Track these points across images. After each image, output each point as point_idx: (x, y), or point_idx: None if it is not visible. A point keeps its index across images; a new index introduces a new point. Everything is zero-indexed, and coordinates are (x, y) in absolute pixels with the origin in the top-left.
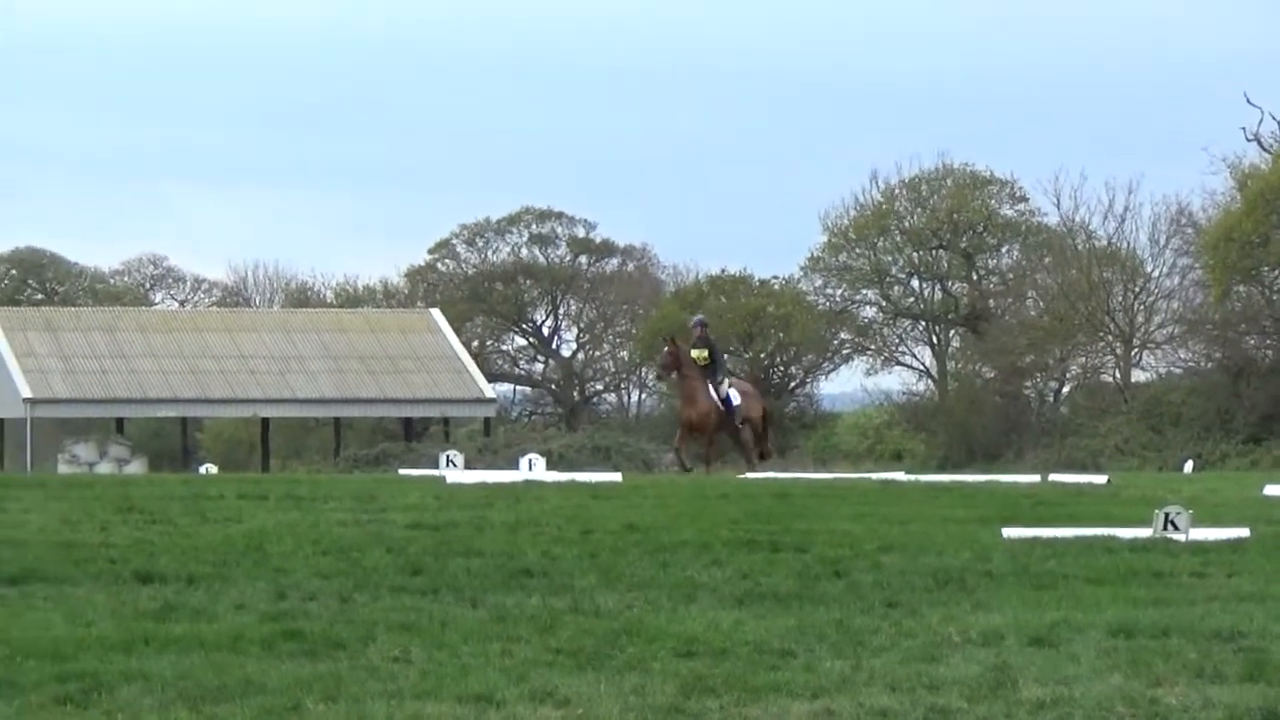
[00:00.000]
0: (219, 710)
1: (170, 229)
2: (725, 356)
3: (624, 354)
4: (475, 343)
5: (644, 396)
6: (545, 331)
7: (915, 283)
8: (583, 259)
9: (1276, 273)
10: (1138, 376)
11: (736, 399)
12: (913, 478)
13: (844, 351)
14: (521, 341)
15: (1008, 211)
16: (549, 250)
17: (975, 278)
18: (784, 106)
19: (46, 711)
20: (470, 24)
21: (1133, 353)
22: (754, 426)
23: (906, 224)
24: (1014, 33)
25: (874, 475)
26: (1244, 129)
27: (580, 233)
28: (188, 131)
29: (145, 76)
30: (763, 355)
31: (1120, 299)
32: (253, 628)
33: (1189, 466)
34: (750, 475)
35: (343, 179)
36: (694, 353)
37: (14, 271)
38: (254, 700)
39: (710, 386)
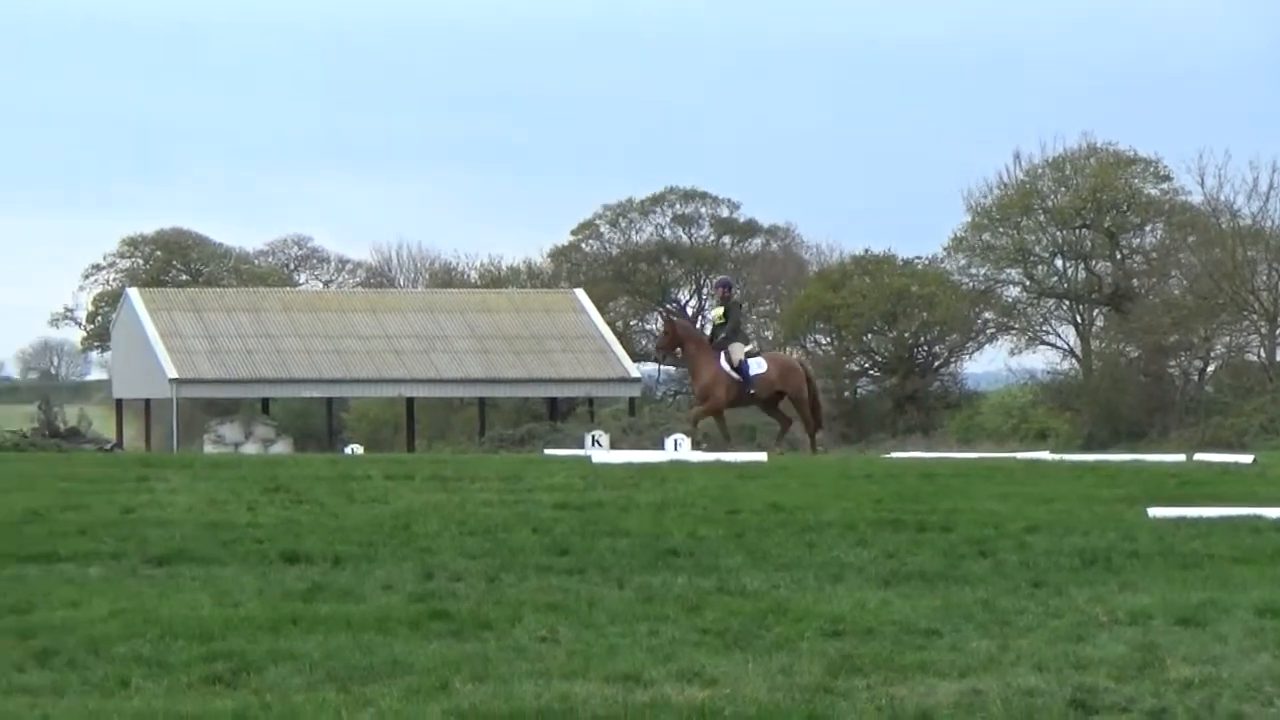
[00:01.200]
0: (367, 690)
1: (315, 210)
2: (749, 326)
3: (768, 334)
4: (619, 322)
5: None
6: (689, 311)
7: (1059, 262)
8: (726, 239)
9: None
10: None
11: (759, 368)
12: (1058, 457)
13: (988, 331)
14: None
15: (1151, 191)
16: (693, 230)
17: (1119, 257)
18: (926, 85)
19: (195, 691)
20: (611, 5)
21: (1278, 332)
22: (796, 401)
23: (1050, 203)
24: (1156, 10)
25: (1019, 455)
26: None
27: (724, 213)
28: (333, 113)
29: (291, 59)
30: (907, 335)
31: (1265, 278)
32: (400, 608)
33: None
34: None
35: (487, 160)
36: (714, 311)
37: (159, 253)
38: (402, 680)
39: (721, 355)
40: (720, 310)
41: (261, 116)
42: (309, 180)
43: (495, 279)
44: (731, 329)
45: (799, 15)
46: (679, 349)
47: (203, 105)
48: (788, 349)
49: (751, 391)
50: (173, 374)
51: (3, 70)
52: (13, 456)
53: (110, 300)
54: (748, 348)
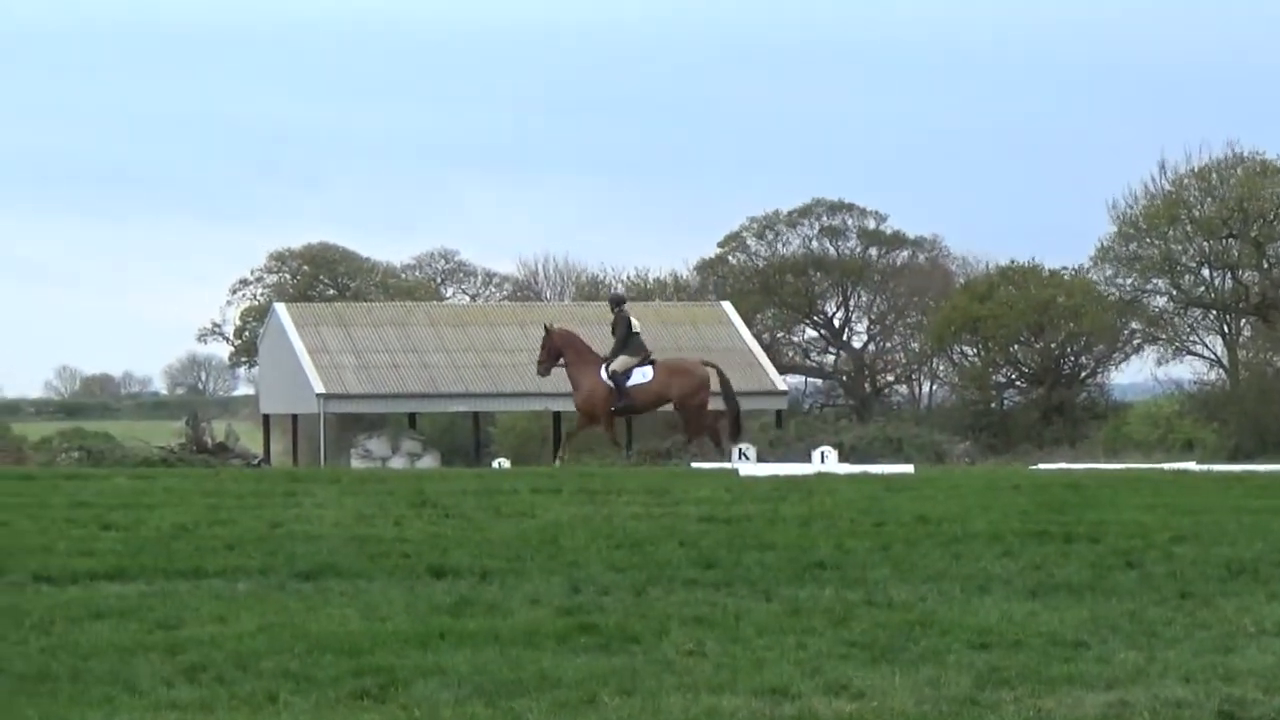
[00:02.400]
0: (515, 704)
1: (461, 223)
2: (637, 334)
3: (915, 345)
4: (766, 335)
5: (935, 387)
6: (836, 323)
7: (1206, 272)
8: (873, 251)
9: None
10: None
11: (641, 378)
12: (1204, 468)
13: (1134, 341)
14: (812, 333)
15: None
16: (839, 242)
17: (1266, 266)
18: (1072, 93)
19: (344, 706)
20: (757, 15)
21: None
22: (684, 409)
23: (1196, 213)
24: None
25: (1165, 465)
26: None
27: (871, 224)
28: (478, 125)
29: (438, 71)
30: (1053, 346)
31: None
32: (547, 622)
33: None
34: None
35: (632, 172)
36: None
37: (306, 267)
38: (549, 694)
39: (599, 368)
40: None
41: (408, 129)
42: (456, 193)
43: (642, 292)
44: (619, 341)
45: (945, 27)
46: (560, 359)
47: (350, 118)
48: (934, 360)
49: (629, 402)
50: (320, 389)
51: (151, 83)
52: (161, 472)
53: (257, 315)
54: (635, 359)
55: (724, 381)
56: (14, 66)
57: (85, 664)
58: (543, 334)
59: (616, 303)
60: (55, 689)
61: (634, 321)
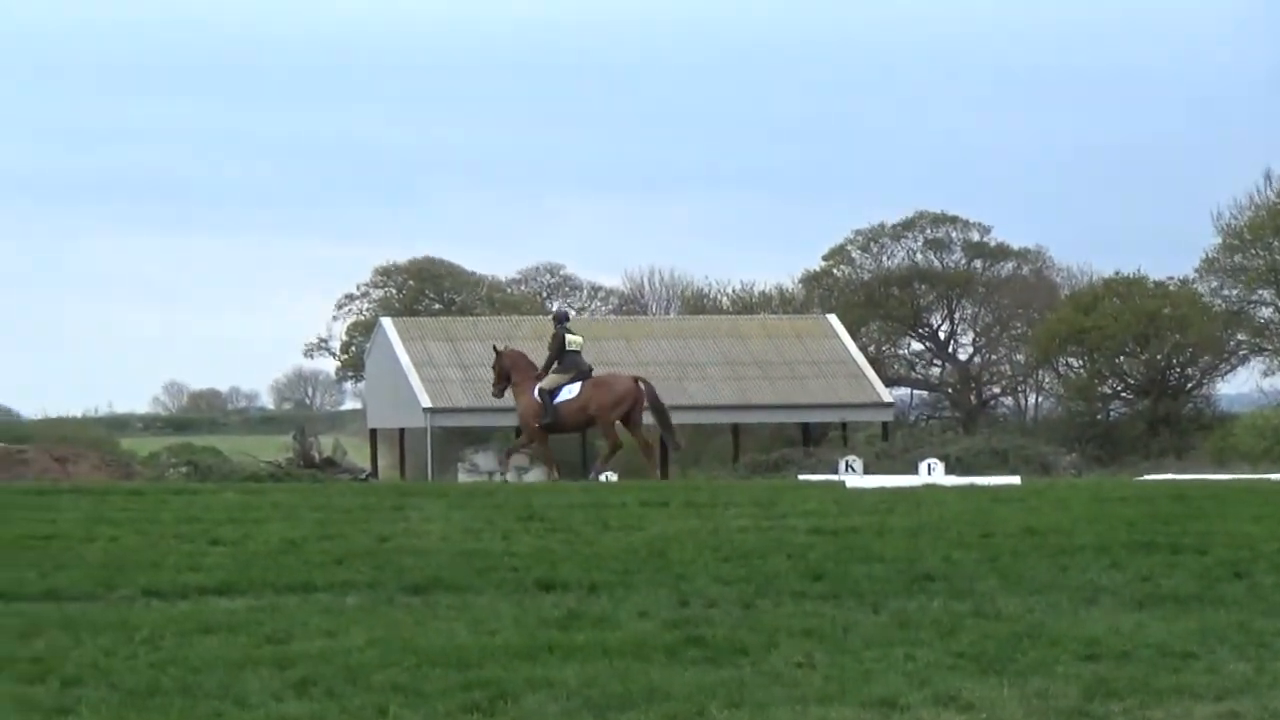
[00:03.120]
0: (624, 717)
1: (567, 237)
2: (573, 352)
3: (1020, 357)
4: (872, 347)
5: (1041, 399)
6: (941, 335)
7: None
8: (978, 263)
9: None
10: None
11: (567, 394)
12: None
13: (1240, 352)
14: (918, 345)
15: None
16: (944, 254)
17: None
18: (1175, 106)
19: (453, 719)
20: (860, 31)
21: None
22: (602, 424)
23: None
24: None
25: (1273, 476)
26: None
27: (975, 237)
28: (581, 139)
29: (540, 84)
30: (1159, 357)
31: None
32: (656, 635)
33: None
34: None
35: (737, 186)
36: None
37: (412, 282)
38: (658, 707)
39: (535, 385)
40: (578, 339)
41: (513, 144)
42: (561, 207)
43: (747, 305)
44: (549, 359)
45: (1048, 42)
46: (509, 379)
47: (455, 133)
48: (1039, 372)
49: (555, 418)
50: (427, 403)
51: (258, 104)
52: (269, 487)
53: (364, 330)
54: (565, 376)
55: (653, 398)
56: (126, 89)
57: (195, 678)
58: (494, 355)
59: (558, 320)
60: (165, 703)
61: (571, 339)
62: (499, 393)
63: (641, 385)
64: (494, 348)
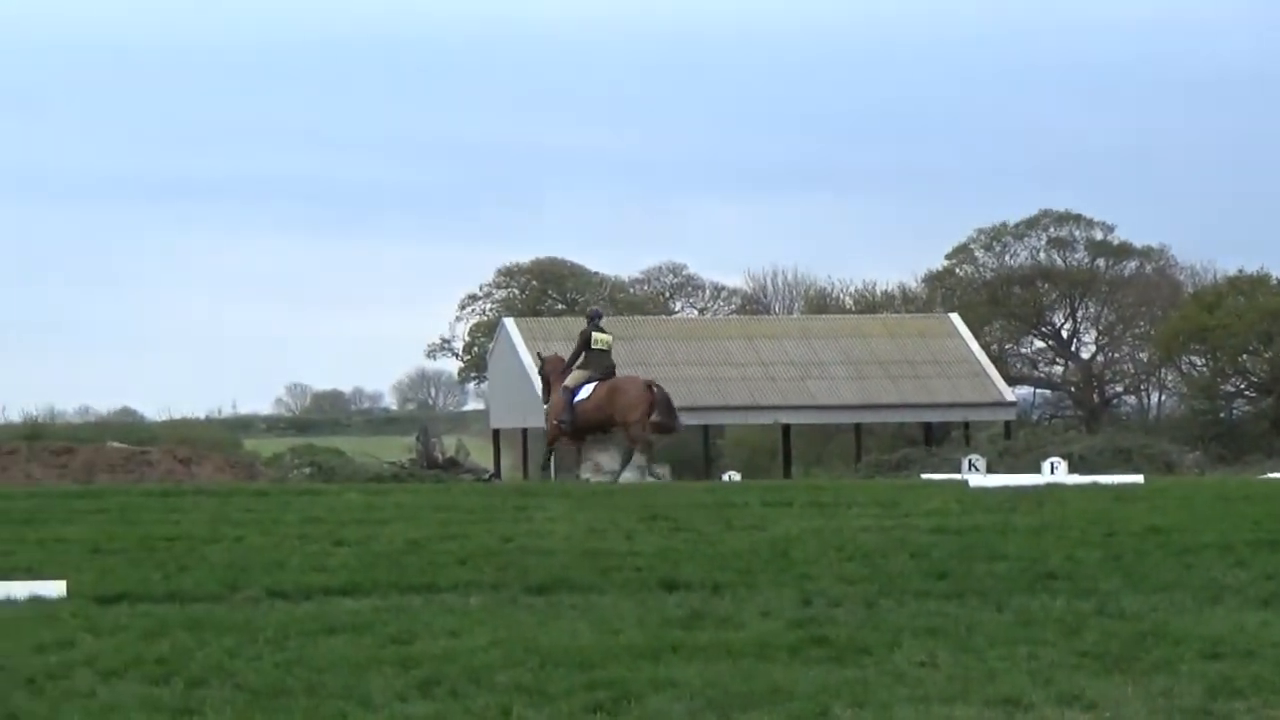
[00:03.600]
0: (747, 717)
1: (689, 237)
2: (600, 351)
3: (1143, 355)
4: (994, 346)
5: (1164, 398)
6: (1064, 334)
7: None
8: (1100, 261)
9: None
10: None
11: (581, 395)
12: None
13: None
14: (1040, 344)
15: None
16: (1067, 253)
17: None
18: None
19: (576, 719)
20: (980, 29)
21: None
22: (626, 426)
23: None
24: None
25: None
26: None
27: (1098, 235)
28: (701, 140)
29: (663, 86)
30: None
31: None
32: (779, 634)
33: None
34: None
35: (860, 185)
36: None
37: (535, 282)
38: (782, 707)
39: (561, 384)
40: (606, 337)
41: (636, 145)
42: (683, 207)
43: (870, 304)
44: (572, 357)
45: (1166, 41)
46: (549, 384)
47: (576, 134)
48: (1162, 370)
49: (572, 417)
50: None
51: (378, 102)
52: (392, 487)
53: (487, 330)
54: (584, 375)
55: (665, 400)
56: (250, 91)
57: (320, 678)
58: (539, 361)
59: (590, 318)
60: (290, 704)
61: (599, 338)
62: (546, 398)
63: (655, 390)
64: (537, 354)
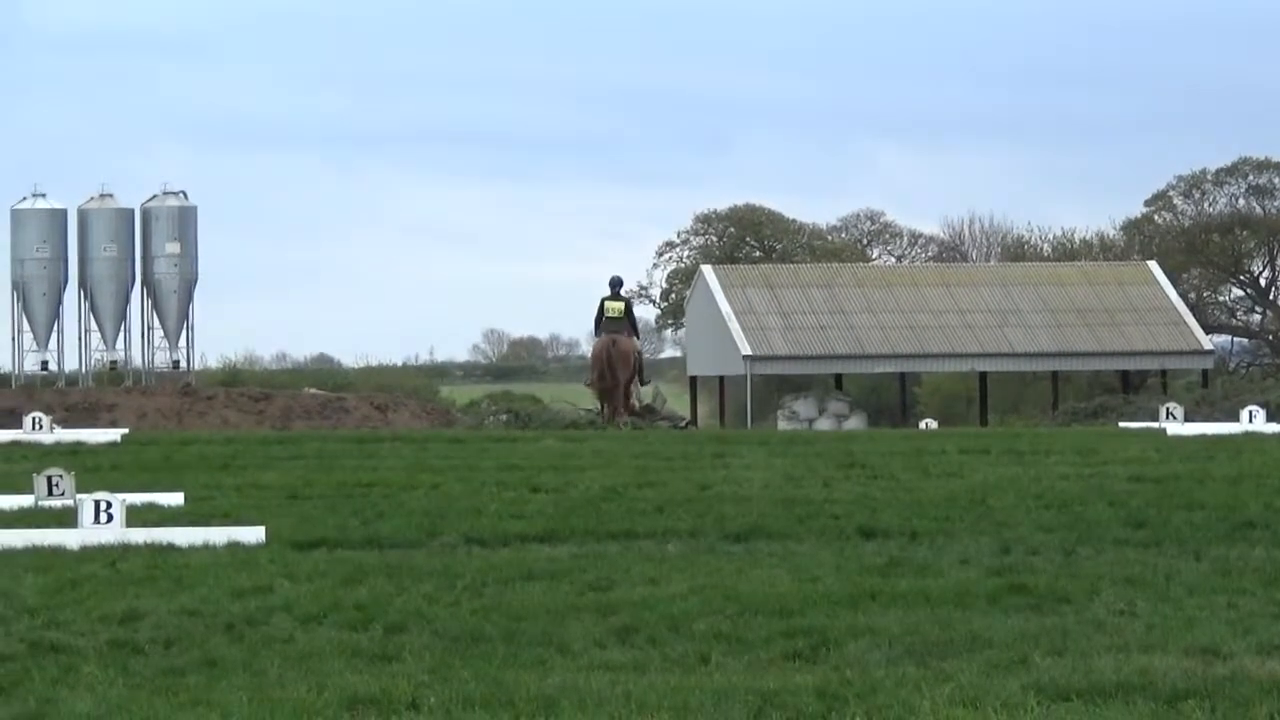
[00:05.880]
0: (945, 665)
1: (887, 185)
2: (613, 318)
3: None
4: (1192, 294)
5: None
6: (1262, 283)
7: None
8: None
9: None
10: None
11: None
12: None
13: None
14: (1239, 292)
15: None
16: (1267, 201)
17: None
18: None
19: (775, 667)
20: None
21: None
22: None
23: None
24: None
25: None
26: None
27: None
28: (900, 88)
29: (859, 37)
30: None
31: None
32: (977, 582)
33: None
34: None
35: (1058, 131)
36: (611, 305)
37: (732, 229)
38: (980, 655)
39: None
40: (618, 305)
41: (830, 93)
42: (881, 154)
43: (1067, 252)
44: (595, 324)
45: None
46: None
47: (775, 80)
48: None
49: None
50: (747, 350)
51: (575, 54)
52: (589, 434)
53: (684, 277)
54: (602, 340)
55: (608, 356)
56: (445, 39)
57: (518, 625)
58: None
59: (611, 286)
60: (489, 650)
61: (611, 305)
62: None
63: (611, 346)
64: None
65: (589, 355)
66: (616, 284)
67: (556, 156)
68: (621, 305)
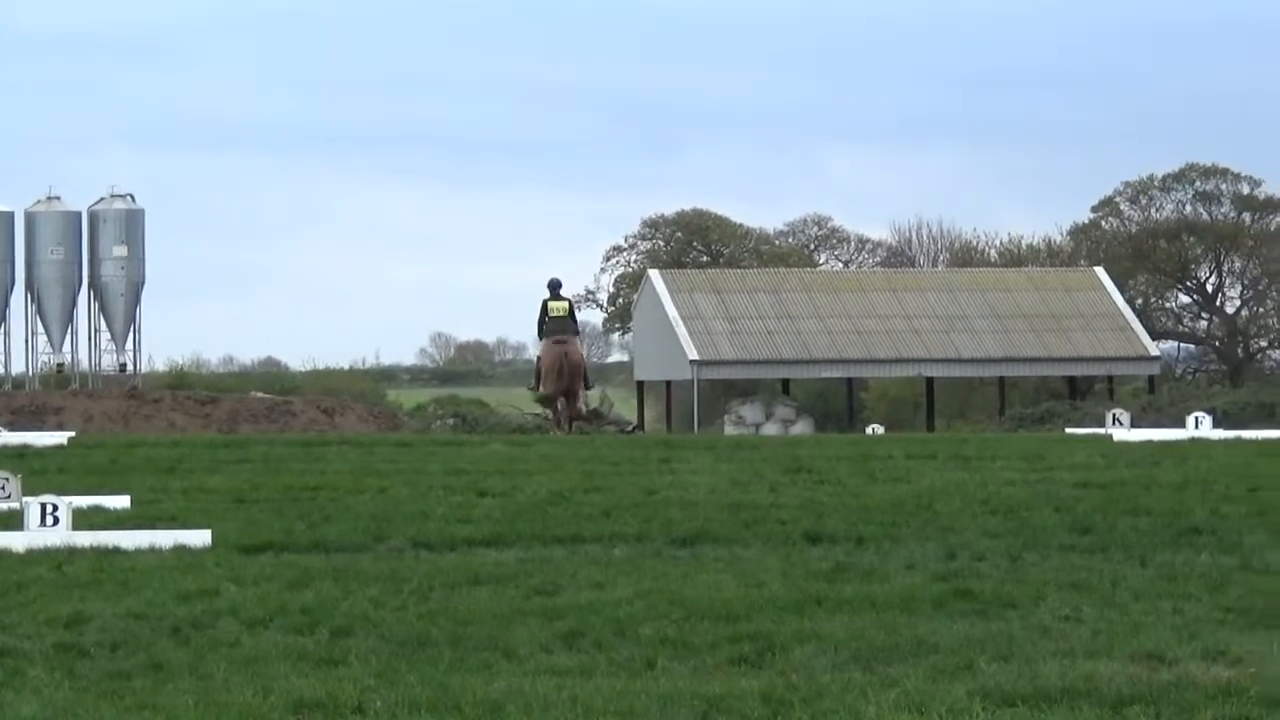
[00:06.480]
0: (891, 670)
1: (835, 190)
2: (554, 317)
3: None
4: (1138, 300)
5: None
6: (1209, 288)
7: None
8: (1247, 215)
9: None
10: None
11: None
12: None
13: None
14: (1185, 299)
15: None
16: (1213, 207)
17: None
18: None
19: (721, 672)
20: None
21: None
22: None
23: None
24: None
25: None
26: None
27: (1245, 189)
28: (842, 92)
29: (804, 39)
30: None
31: None
32: (923, 588)
33: None
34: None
35: (1007, 137)
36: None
37: (680, 234)
38: (926, 660)
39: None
40: (561, 305)
41: (779, 98)
42: (827, 159)
43: (1015, 258)
44: (537, 326)
45: None
46: None
47: (721, 84)
48: None
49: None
50: (693, 355)
51: (524, 54)
52: (536, 439)
53: (631, 282)
54: (548, 341)
55: (560, 367)
56: (391, 41)
57: (464, 630)
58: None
59: (549, 288)
60: (435, 654)
61: (554, 305)
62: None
63: (564, 359)
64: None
65: (535, 359)
66: (556, 285)
67: (506, 160)
68: (565, 305)
